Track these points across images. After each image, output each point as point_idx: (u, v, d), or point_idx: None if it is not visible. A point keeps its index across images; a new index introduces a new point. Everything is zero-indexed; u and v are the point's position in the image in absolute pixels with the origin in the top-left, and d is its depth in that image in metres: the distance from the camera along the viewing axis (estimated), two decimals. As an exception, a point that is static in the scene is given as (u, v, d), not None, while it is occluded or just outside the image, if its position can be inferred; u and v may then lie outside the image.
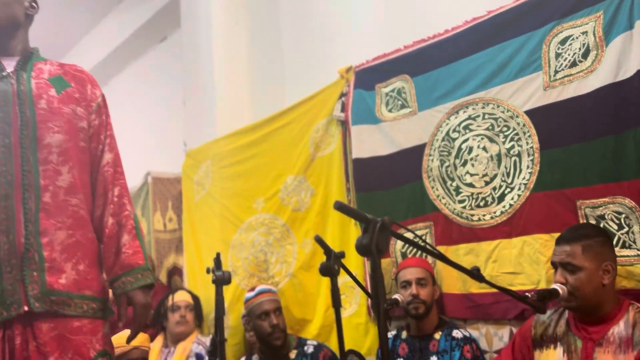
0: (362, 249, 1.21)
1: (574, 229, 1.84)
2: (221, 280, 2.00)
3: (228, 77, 3.65)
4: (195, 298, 3.19)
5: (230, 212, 3.33)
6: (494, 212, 2.26)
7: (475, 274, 1.49)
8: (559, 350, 1.80)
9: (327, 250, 1.79)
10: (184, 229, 3.68)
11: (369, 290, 1.41)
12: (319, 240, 1.81)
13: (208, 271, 2.05)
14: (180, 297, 3.11)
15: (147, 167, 4.08)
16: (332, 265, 1.77)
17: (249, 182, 3.27)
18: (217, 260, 2.05)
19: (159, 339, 3.13)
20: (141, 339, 2.28)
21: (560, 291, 1.71)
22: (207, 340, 3.01)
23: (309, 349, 2.64)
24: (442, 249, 2.36)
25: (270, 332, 2.60)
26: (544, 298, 1.66)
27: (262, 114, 3.36)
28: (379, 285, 1.16)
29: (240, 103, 3.62)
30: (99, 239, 1.60)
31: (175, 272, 3.85)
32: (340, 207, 1.27)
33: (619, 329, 1.69)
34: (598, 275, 1.72)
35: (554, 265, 1.80)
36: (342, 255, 1.80)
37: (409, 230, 1.56)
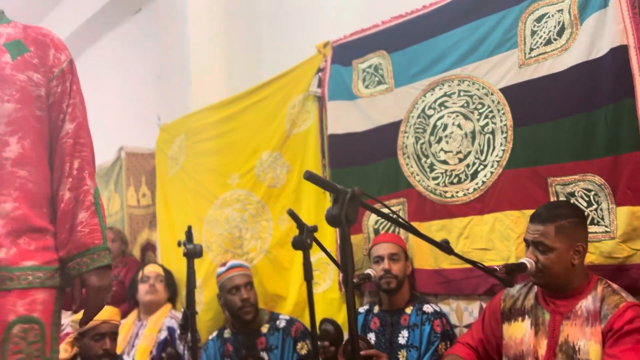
0: (332, 219, 1.20)
1: (549, 208, 1.81)
2: (192, 253, 1.99)
3: (204, 50, 3.58)
4: (166, 271, 3.19)
5: (205, 187, 3.30)
6: (467, 189, 2.27)
7: (444, 246, 1.50)
8: (527, 322, 1.83)
9: (300, 223, 1.79)
10: (158, 205, 3.63)
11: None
12: (292, 214, 1.80)
13: (179, 244, 2.03)
14: (150, 269, 3.14)
15: (121, 141, 4.01)
16: (304, 239, 1.77)
17: (223, 158, 3.23)
18: (189, 234, 2.03)
19: (133, 314, 3.13)
20: (110, 312, 2.26)
21: (528, 265, 1.73)
22: (180, 315, 3.00)
23: (281, 324, 2.65)
24: (415, 225, 2.35)
25: (240, 306, 2.60)
26: (512, 271, 1.68)
27: (238, 89, 3.31)
28: (347, 255, 1.16)
29: (216, 77, 3.55)
30: (54, 214, 1.49)
31: (149, 247, 3.82)
32: (310, 176, 1.26)
33: (587, 302, 1.72)
34: (569, 255, 1.73)
35: (526, 242, 1.82)
36: (314, 229, 1.80)
37: (378, 201, 1.56)
